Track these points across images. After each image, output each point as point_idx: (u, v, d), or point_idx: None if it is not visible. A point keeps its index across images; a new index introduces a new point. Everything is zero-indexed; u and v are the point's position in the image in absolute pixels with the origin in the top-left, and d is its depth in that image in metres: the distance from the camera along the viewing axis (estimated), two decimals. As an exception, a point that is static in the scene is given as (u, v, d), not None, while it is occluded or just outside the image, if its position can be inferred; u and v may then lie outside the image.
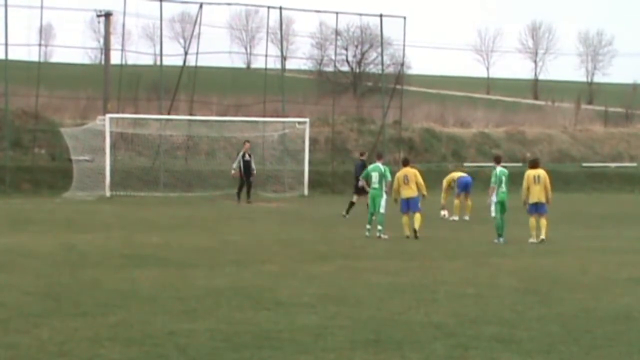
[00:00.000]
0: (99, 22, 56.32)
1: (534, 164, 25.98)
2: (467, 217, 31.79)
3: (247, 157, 38.30)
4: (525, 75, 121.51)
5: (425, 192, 26.11)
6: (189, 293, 15.32)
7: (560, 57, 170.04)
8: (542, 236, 24.93)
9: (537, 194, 25.18)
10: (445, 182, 33.14)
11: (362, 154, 34.79)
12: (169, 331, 12.27)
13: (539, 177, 25.29)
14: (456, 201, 32.27)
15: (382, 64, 56.44)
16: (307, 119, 44.65)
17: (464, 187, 32.41)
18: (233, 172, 38.65)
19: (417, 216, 25.39)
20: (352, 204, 31.68)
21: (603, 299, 15.87)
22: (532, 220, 25.17)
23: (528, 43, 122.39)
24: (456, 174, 33.74)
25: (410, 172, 26.06)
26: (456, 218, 31.74)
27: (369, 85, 71.77)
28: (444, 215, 31.98)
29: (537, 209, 25.24)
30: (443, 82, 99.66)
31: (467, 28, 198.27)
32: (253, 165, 38.67)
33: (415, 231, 25.13)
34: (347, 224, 28.83)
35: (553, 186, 39.59)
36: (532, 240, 24.90)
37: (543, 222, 25.09)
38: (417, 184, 25.81)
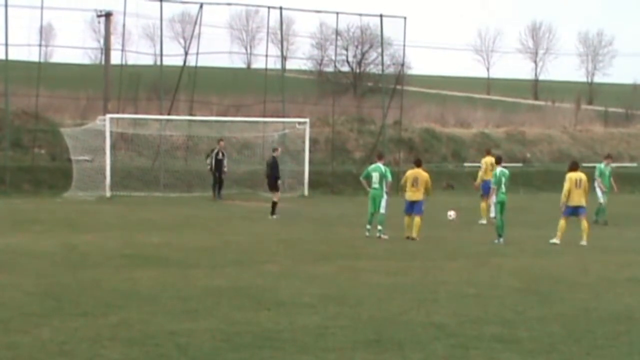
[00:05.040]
0: (99, 22, 56.30)
1: (575, 167, 25.86)
2: (482, 221, 30.63)
3: (220, 155, 39.44)
4: (525, 75, 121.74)
5: (429, 195, 26.06)
6: (189, 293, 15.33)
7: (560, 58, 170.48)
8: (584, 242, 24.83)
9: (578, 198, 25.14)
10: (484, 164, 31.48)
11: (275, 150, 33.42)
12: (170, 331, 12.28)
13: (580, 180, 25.25)
14: (483, 204, 30.90)
15: (382, 64, 56.40)
16: (307, 119, 44.61)
17: (488, 190, 30.34)
18: (208, 167, 40.05)
19: (417, 220, 25.29)
20: (275, 203, 31.34)
21: (604, 299, 15.88)
22: (562, 222, 25.05)
23: (528, 43, 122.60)
24: (489, 165, 31.05)
25: (423, 176, 25.76)
26: (484, 222, 30.36)
27: (369, 86, 71.73)
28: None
29: (575, 212, 25.15)
30: (443, 82, 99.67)
31: (467, 28, 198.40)
32: (225, 163, 39.83)
33: (413, 238, 25.02)
34: (347, 225, 28.81)
35: (553, 187, 39.50)
36: (555, 240, 24.81)
37: (585, 225, 25.07)
38: (426, 189, 25.69)
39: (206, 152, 41.62)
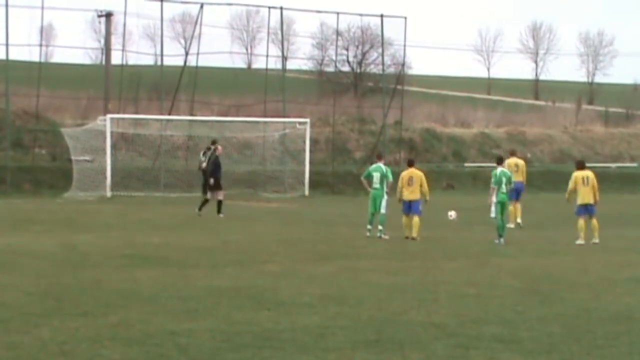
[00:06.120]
0: (99, 22, 56.45)
1: (581, 166, 25.91)
2: (519, 221, 29.62)
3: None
4: (525, 75, 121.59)
5: (428, 197, 26.01)
6: (189, 293, 15.32)
7: (560, 58, 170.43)
8: (596, 240, 24.84)
9: (586, 196, 25.16)
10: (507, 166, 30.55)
11: (215, 149, 33.51)
12: (170, 331, 12.27)
13: (587, 178, 25.29)
14: (511, 207, 29.15)
15: (383, 64, 56.47)
16: (307, 119, 44.67)
17: (515, 193, 29.38)
18: (204, 165, 40.12)
19: (416, 220, 25.26)
20: (206, 201, 31.47)
21: (604, 299, 15.87)
22: (581, 222, 25.10)
23: (529, 43, 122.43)
24: (513, 166, 30.16)
25: (417, 174, 25.83)
26: (512, 225, 29.14)
27: (369, 86, 71.76)
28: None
29: (586, 210, 25.20)
30: (444, 82, 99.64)
31: (468, 28, 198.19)
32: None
33: (413, 238, 25.01)
34: (347, 225, 28.79)
35: (553, 187, 39.43)
36: (580, 241, 24.77)
37: (594, 223, 25.07)
38: (421, 187, 25.70)
39: (203, 150, 41.75)
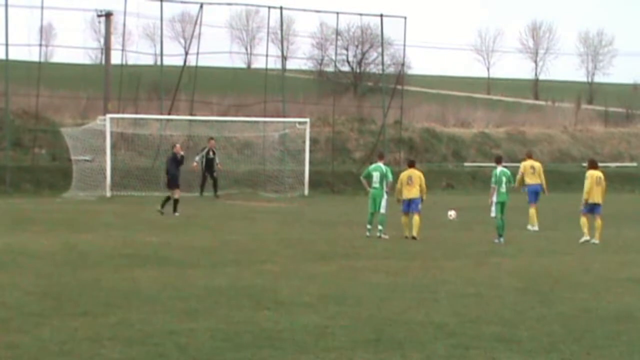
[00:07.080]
0: (99, 22, 56.34)
1: (594, 165, 26.01)
2: (531, 228, 28.79)
3: (210, 154, 39.84)
4: (525, 75, 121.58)
5: (425, 197, 26.02)
6: (189, 293, 15.32)
7: (560, 57, 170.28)
8: (596, 240, 24.91)
9: (597, 195, 25.31)
10: (522, 167, 29.89)
11: (174, 147, 33.32)
12: (170, 331, 12.27)
13: (600, 178, 25.47)
14: (532, 210, 29.04)
15: (383, 64, 56.42)
16: (307, 119, 44.65)
17: (534, 196, 29.30)
18: (195, 164, 40.46)
19: (416, 218, 25.29)
20: (168, 198, 31.52)
21: (604, 299, 15.88)
22: (584, 220, 25.21)
23: (528, 43, 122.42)
24: (528, 168, 29.72)
25: (416, 174, 25.91)
26: (536, 228, 28.66)
27: (369, 85, 71.73)
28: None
29: (593, 209, 25.32)
30: (443, 82, 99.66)
31: (468, 28, 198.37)
32: (217, 160, 40.61)
33: (414, 237, 25.02)
34: (347, 224, 28.78)
35: (553, 187, 39.51)
36: (585, 238, 24.87)
37: (599, 222, 25.16)
38: (420, 186, 25.75)
39: (197, 150, 41.90)
